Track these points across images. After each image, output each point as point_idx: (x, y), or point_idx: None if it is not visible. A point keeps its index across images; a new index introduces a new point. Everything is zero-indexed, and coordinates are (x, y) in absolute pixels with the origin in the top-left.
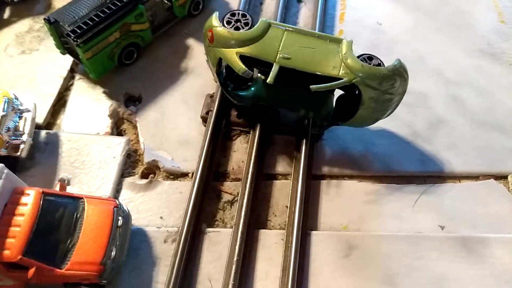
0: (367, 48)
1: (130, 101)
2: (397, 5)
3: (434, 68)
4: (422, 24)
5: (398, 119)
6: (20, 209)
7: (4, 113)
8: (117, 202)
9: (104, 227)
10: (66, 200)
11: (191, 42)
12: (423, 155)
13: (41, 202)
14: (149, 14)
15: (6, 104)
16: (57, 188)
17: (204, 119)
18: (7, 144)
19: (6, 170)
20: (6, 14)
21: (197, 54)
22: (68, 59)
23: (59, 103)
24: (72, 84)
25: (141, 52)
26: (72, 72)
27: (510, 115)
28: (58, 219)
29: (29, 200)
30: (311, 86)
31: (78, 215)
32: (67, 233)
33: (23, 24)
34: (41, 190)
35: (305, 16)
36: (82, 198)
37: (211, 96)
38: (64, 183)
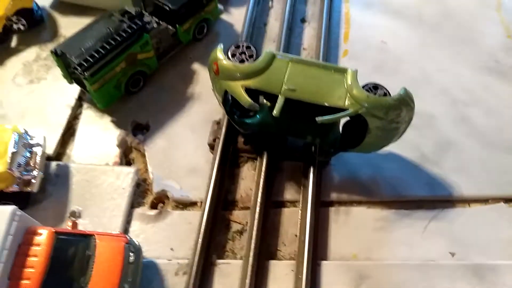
0: (372, 67)
1: (137, 129)
2: (401, 22)
3: (441, 87)
4: (427, 40)
5: (406, 142)
6: (34, 249)
7: (15, 150)
8: (128, 238)
9: (116, 264)
10: (78, 238)
11: (196, 66)
12: (432, 179)
13: (54, 241)
14: (154, 41)
15: (16, 141)
16: (69, 225)
17: (211, 146)
18: (19, 180)
19: (19, 212)
20: (14, 42)
21: (202, 79)
22: (76, 88)
23: (68, 132)
24: (80, 113)
25: (147, 79)
26: (80, 100)
27: None
28: (70, 257)
29: (42, 240)
30: (317, 118)
31: (90, 253)
32: (80, 271)
33: (31, 53)
34: (53, 230)
35: (309, 36)
36: (93, 235)
37: (218, 122)
38: (76, 220)
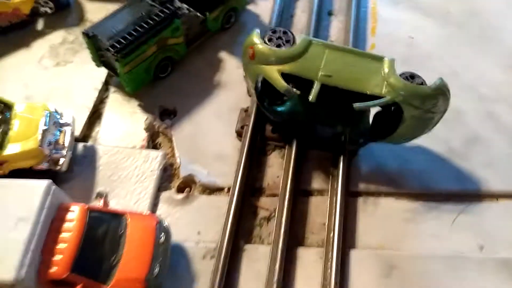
0: (399, 62)
1: (165, 114)
2: (428, 19)
3: (468, 83)
4: (454, 38)
5: (434, 136)
6: (66, 225)
7: (46, 127)
8: (159, 219)
9: (147, 244)
10: (110, 217)
11: (223, 55)
12: (460, 173)
13: (87, 218)
14: (184, 28)
15: (48, 119)
16: (100, 203)
17: (239, 134)
18: (49, 158)
19: (53, 187)
20: (40, 25)
21: (229, 68)
22: (103, 72)
23: (95, 115)
24: (107, 97)
25: (175, 66)
26: (106, 84)
27: None
28: (102, 235)
29: (75, 216)
30: (354, 105)
31: (122, 232)
32: (112, 249)
33: (57, 36)
34: (86, 207)
35: (336, 29)
36: (126, 214)
37: (246, 110)
38: (106, 199)
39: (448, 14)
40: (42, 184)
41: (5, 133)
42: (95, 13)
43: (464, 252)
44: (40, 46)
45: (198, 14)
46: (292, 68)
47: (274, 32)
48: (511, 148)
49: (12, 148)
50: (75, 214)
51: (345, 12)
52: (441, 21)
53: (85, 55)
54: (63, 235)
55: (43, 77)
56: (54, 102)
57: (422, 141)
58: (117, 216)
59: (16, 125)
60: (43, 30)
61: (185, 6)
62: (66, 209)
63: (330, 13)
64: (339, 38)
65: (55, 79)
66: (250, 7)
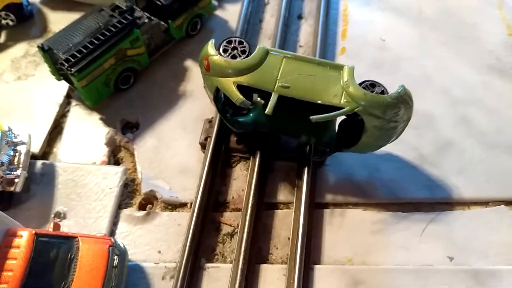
0: (371, 66)
1: (127, 128)
2: (401, 19)
3: (441, 86)
4: (427, 38)
5: (404, 142)
6: (13, 252)
7: (1, 151)
8: (113, 240)
9: (99, 268)
10: (60, 240)
11: (189, 63)
12: (431, 181)
13: (34, 243)
14: (146, 37)
15: (3, 141)
16: (51, 227)
17: (203, 146)
18: (1, 179)
19: None
20: (2, 38)
21: (195, 76)
22: (64, 85)
23: (55, 130)
24: (68, 111)
25: (138, 76)
26: (68, 98)
27: None
28: (52, 260)
29: (22, 242)
30: (311, 117)
31: (72, 256)
32: (62, 275)
33: (19, 49)
34: (33, 231)
35: (306, 33)
36: (76, 237)
37: (210, 121)
38: (59, 222)
39: (421, 13)
40: None
41: None
42: (58, 23)
43: (434, 264)
44: (1, 60)
45: (161, 22)
46: (248, 80)
47: (229, 42)
48: (484, 153)
49: None
50: (22, 240)
51: (315, 16)
52: (414, 21)
53: (47, 68)
54: (9, 262)
55: (4, 92)
56: (15, 117)
57: (392, 148)
58: (68, 240)
59: None
60: (5, 43)
61: (146, 14)
62: (13, 235)
63: (300, 17)
64: (309, 42)
65: (16, 93)
66: (218, 12)
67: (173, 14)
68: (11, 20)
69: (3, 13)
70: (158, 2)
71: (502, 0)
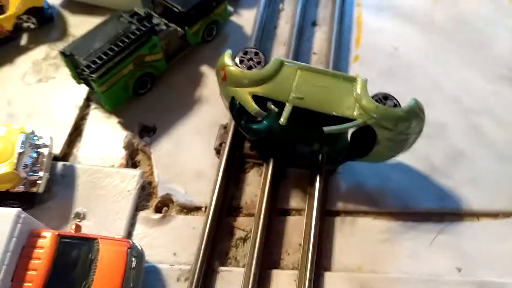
0: (383, 73)
1: (144, 131)
2: (414, 27)
3: (452, 95)
4: (440, 47)
5: (416, 152)
6: (37, 252)
7: (21, 151)
8: (131, 243)
9: (118, 269)
10: (81, 242)
11: (205, 69)
12: (441, 191)
13: (57, 244)
14: (163, 43)
15: (23, 141)
16: (72, 228)
17: (218, 151)
18: (25, 181)
19: (23, 215)
20: (24, 40)
21: (211, 82)
22: (84, 88)
23: (75, 132)
24: (87, 114)
25: (155, 81)
26: (87, 101)
27: None
28: (73, 261)
29: (45, 243)
30: (324, 128)
31: (93, 257)
32: (82, 275)
33: (40, 51)
34: (56, 233)
35: (320, 40)
36: (97, 239)
37: (225, 127)
38: (80, 223)
39: (433, 20)
40: (11, 212)
41: None
42: (78, 27)
43: (442, 274)
44: (23, 62)
45: (178, 28)
46: (263, 90)
47: (245, 53)
48: (495, 163)
49: None
50: (45, 240)
51: (329, 23)
52: (426, 29)
53: (67, 71)
54: (33, 262)
55: (26, 93)
56: (36, 119)
57: (404, 157)
58: (88, 241)
59: None
60: (26, 45)
61: (164, 21)
62: (37, 235)
63: (314, 24)
64: (322, 50)
65: (37, 95)
66: (233, 18)
67: (190, 21)
68: (33, 23)
69: (25, 17)
70: (176, 9)
71: None
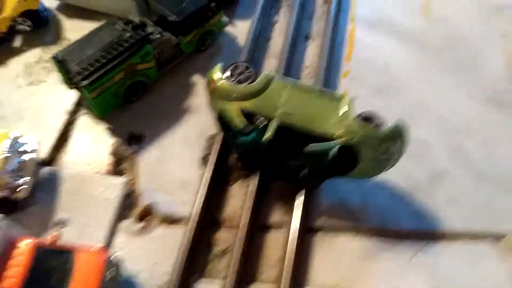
0: (372, 89)
1: (133, 139)
2: (405, 44)
3: (439, 114)
4: (430, 65)
5: (399, 170)
6: (15, 260)
7: (8, 155)
8: (109, 253)
9: (94, 280)
10: (57, 252)
11: (197, 78)
12: (421, 210)
13: (35, 253)
14: (156, 52)
15: (9, 146)
16: (50, 238)
17: (204, 161)
18: (9, 185)
19: (4, 222)
20: (17, 42)
21: (202, 91)
22: (74, 93)
23: (63, 137)
24: (76, 119)
25: (146, 88)
26: (78, 106)
27: None
28: (50, 270)
29: (23, 251)
30: (306, 148)
31: (69, 267)
32: (58, 284)
33: (33, 54)
34: (34, 242)
35: (312, 53)
36: (74, 250)
37: (212, 137)
38: (58, 233)
39: (425, 39)
40: None
41: None
42: (73, 31)
43: None
44: (16, 64)
45: (172, 37)
46: (251, 105)
47: (236, 67)
48: (475, 185)
49: None
50: (23, 249)
51: (323, 37)
52: (418, 47)
53: (59, 75)
54: (10, 271)
55: (17, 96)
56: (26, 122)
57: (387, 174)
58: (65, 252)
59: None
60: (20, 47)
61: (158, 29)
62: (16, 244)
63: (307, 37)
64: (314, 64)
65: (28, 98)
66: (228, 28)
67: (184, 30)
68: (28, 25)
69: (20, 19)
70: (171, 18)
71: (507, 30)
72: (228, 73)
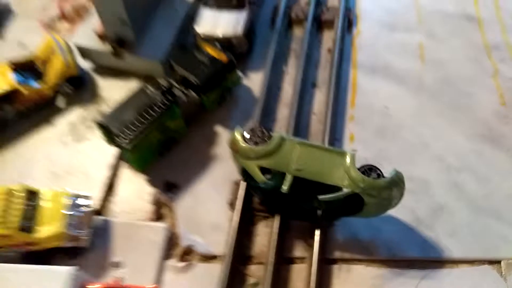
0: (375, 132)
1: (168, 188)
2: (403, 87)
3: (437, 153)
4: (426, 107)
5: (402, 206)
6: None
7: (71, 212)
8: None
9: None
10: None
11: (219, 129)
12: (424, 241)
13: None
14: (182, 110)
15: (70, 204)
16: (114, 281)
17: (231, 205)
18: (72, 237)
19: (76, 272)
20: (61, 103)
21: (223, 141)
22: (115, 149)
23: (109, 189)
24: (119, 172)
25: (177, 142)
26: (119, 159)
27: (506, 201)
28: None
29: None
30: (319, 197)
31: None
32: None
33: (76, 114)
34: (101, 286)
35: (319, 100)
36: None
37: (236, 183)
38: (118, 276)
39: (421, 82)
40: (67, 270)
41: (33, 218)
42: (107, 90)
43: None
44: (60, 123)
45: (196, 96)
46: (268, 163)
47: (252, 130)
48: (472, 217)
49: (40, 232)
50: None
51: (328, 84)
52: (415, 89)
53: (100, 132)
54: None
55: (65, 153)
56: (75, 177)
57: (392, 211)
58: None
59: (42, 211)
60: (64, 108)
61: (182, 88)
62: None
63: (314, 85)
64: (321, 110)
65: (75, 155)
66: (243, 80)
67: (206, 90)
68: (69, 88)
69: (65, 84)
70: (194, 82)
71: (497, 69)
72: (247, 136)
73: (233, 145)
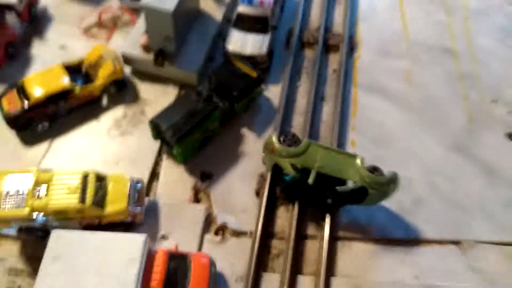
0: (372, 140)
1: (204, 177)
2: (395, 105)
3: (419, 158)
4: (412, 121)
5: (392, 198)
6: (155, 266)
7: (130, 193)
8: (209, 256)
9: (205, 276)
10: (179, 257)
11: (245, 131)
12: (407, 225)
13: (167, 260)
14: (218, 114)
15: (130, 186)
16: (174, 247)
17: (257, 193)
18: (131, 213)
19: (148, 238)
20: (105, 101)
21: (249, 141)
22: (156, 143)
23: (153, 176)
24: (161, 162)
25: (212, 139)
26: (160, 152)
27: (468, 196)
28: (176, 270)
29: (160, 259)
30: (337, 187)
31: (188, 267)
32: (183, 281)
33: (119, 111)
34: (166, 251)
35: (327, 112)
36: (188, 255)
37: (262, 175)
38: (176, 245)
39: (409, 100)
40: (142, 237)
41: (104, 197)
42: (146, 92)
43: (405, 280)
44: (107, 119)
45: (229, 104)
46: (298, 161)
47: (286, 135)
48: (443, 207)
49: (109, 208)
50: (159, 257)
51: (334, 99)
52: (404, 107)
53: (142, 128)
54: (153, 275)
55: (112, 145)
56: (122, 165)
57: (384, 202)
58: (184, 257)
59: (110, 192)
60: (108, 105)
61: (216, 96)
62: (153, 254)
63: (322, 99)
64: (329, 120)
65: (121, 147)
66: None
67: (238, 99)
68: (114, 89)
69: (111, 86)
70: (234, 93)
71: (467, 94)
72: (281, 138)
73: (270, 145)
